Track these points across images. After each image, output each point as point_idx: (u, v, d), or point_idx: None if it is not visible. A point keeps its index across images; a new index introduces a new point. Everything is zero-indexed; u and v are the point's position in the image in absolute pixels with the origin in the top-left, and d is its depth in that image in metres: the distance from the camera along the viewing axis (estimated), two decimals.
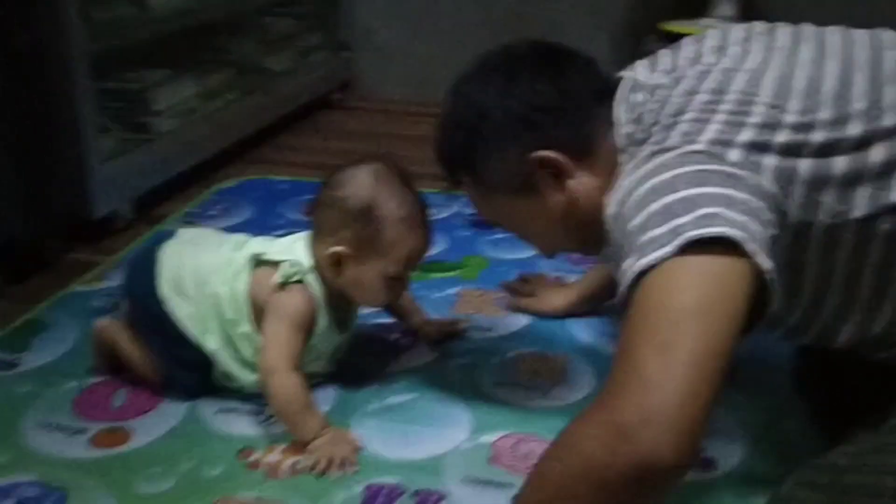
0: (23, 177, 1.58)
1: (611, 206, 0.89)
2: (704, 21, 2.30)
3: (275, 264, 1.16)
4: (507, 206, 1.06)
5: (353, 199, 1.13)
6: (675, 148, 0.83)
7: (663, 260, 0.75)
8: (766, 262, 0.75)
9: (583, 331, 1.40)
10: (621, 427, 0.69)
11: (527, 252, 1.65)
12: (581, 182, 1.00)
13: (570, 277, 1.53)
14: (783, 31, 0.95)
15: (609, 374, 0.75)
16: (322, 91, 2.81)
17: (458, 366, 1.31)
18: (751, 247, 0.75)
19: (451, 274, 1.61)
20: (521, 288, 1.51)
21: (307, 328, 1.15)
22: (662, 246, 0.75)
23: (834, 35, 0.93)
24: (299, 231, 1.24)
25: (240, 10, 2.35)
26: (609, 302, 1.44)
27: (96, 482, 1.06)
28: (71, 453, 1.12)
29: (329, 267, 1.15)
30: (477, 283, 1.56)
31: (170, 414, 1.20)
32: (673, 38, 2.30)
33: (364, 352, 1.30)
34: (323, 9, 2.91)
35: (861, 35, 0.92)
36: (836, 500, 0.88)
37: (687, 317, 0.72)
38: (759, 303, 0.77)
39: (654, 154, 0.85)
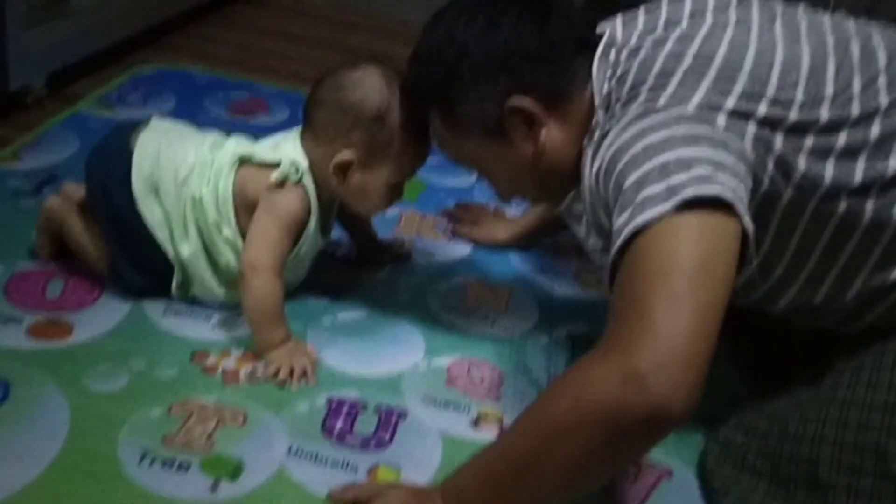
0: None
1: (594, 162, 0.90)
2: None
3: (264, 165, 1.11)
4: (475, 147, 1.05)
5: (367, 102, 1.08)
6: (666, 109, 0.85)
7: (663, 217, 0.77)
8: (750, 225, 0.80)
9: (523, 264, 1.44)
10: (636, 372, 0.71)
11: (464, 180, 1.67)
12: (552, 133, 1.00)
13: (509, 210, 1.55)
14: (756, 6, 0.98)
15: (613, 318, 0.78)
16: None
17: (407, 287, 1.33)
18: (740, 208, 0.79)
19: None
20: (463, 215, 1.52)
21: (297, 232, 1.12)
22: (661, 203, 0.78)
23: (802, 18, 0.96)
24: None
25: None
26: (546, 239, 1.49)
27: (40, 374, 1.02)
28: (6, 342, 1.06)
29: (335, 172, 1.11)
30: (416, 205, 1.56)
31: (114, 309, 1.15)
32: None
33: (312, 267, 1.28)
34: None
35: (826, 21, 0.96)
36: (774, 445, 0.97)
37: (693, 270, 0.76)
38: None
39: (643, 114, 0.86)
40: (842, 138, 0.88)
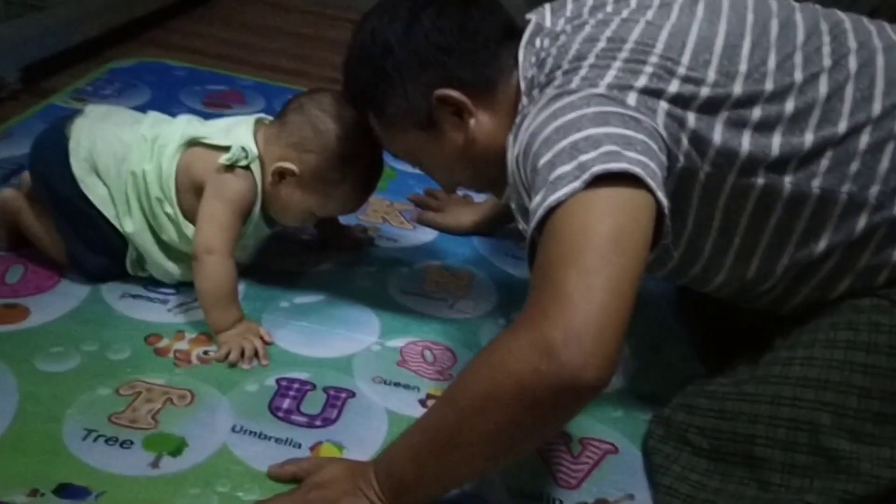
0: None
1: (515, 146, 0.92)
2: None
3: (213, 147, 1.13)
4: (409, 141, 1.07)
5: (340, 141, 1.12)
6: (577, 91, 0.87)
7: (574, 194, 0.78)
8: (663, 198, 0.80)
9: (486, 249, 1.45)
10: (547, 345, 0.72)
11: None
12: (481, 122, 1.02)
13: (477, 197, 1.56)
14: None
15: (530, 295, 0.78)
16: None
17: (367, 272, 1.34)
18: (651, 183, 0.79)
19: None
20: (428, 202, 1.53)
21: (245, 215, 1.14)
22: (571, 181, 0.78)
23: None
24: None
25: None
26: (512, 224, 1.50)
27: None
28: None
29: (273, 172, 1.14)
30: (385, 193, 1.57)
31: (71, 294, 1.17)
32: None
33: (274, 250, 1.30)
34: None
35: (750, 1, 0.97)
36: (713, 423, 0.97)
37: (605, 244, 0.76)
38: (653, 236, 0.82)
39: (557, 97, 0.88)
40: (756, 112, 0.88)
